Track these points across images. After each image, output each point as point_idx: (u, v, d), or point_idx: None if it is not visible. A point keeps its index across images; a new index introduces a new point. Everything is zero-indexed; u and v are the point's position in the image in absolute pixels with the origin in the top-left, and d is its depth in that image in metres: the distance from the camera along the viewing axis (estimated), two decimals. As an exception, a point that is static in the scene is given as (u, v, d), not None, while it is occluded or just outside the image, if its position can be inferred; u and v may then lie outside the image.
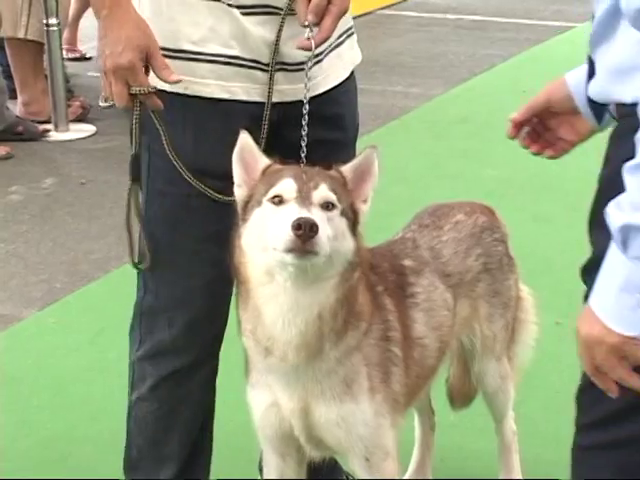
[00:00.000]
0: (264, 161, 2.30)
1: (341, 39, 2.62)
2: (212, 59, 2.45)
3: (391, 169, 5.82)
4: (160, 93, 2.40)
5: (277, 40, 2.46)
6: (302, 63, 2.46)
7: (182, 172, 2.46)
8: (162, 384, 2.69)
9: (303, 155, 2.41)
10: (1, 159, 6.14)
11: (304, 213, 2.14)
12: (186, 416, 2.74)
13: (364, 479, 2.52)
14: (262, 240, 2.21)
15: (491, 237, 2.85)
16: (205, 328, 2.66)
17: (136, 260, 2.56)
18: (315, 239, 2.11)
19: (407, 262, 2.66)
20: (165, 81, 2.39)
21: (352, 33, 2.67)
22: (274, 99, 2.49)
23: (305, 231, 2.10)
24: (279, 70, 2.48)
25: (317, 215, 2.15)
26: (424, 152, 6.03)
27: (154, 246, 2.55)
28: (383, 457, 2.47)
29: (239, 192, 2.31)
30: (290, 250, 2.12)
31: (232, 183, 2.39)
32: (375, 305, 2.43)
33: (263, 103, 2.48)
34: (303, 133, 2.41)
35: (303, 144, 2.41)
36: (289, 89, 2.50)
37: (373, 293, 2.43)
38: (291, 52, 2.47)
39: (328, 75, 2.58)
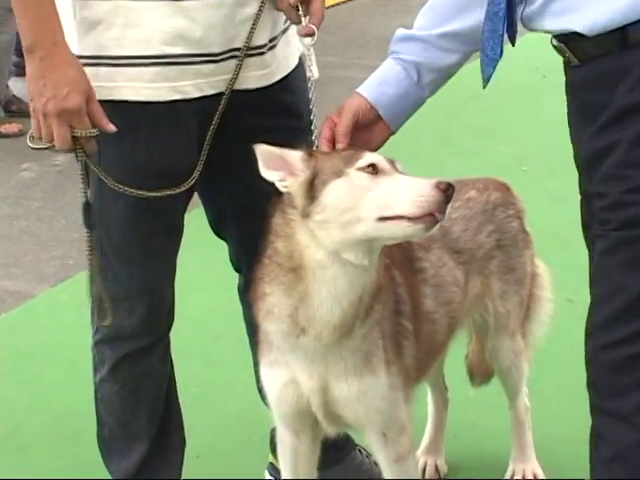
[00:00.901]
0: (293, 153, 2.23)
1: (287, 24, 2.58)
2: (157, 61, 2.40)
3: (403, 146, 5.79)
4: (107, 102, 2.37)
5: (256, 19, 2.43)
6: (252, 49, 2.45)
7: (118, 188, 2.42)
8: (121, 365, 2.69)
9: (315, 136, 2.40)
10: (13, 136, 6.15)
11: (425, 178, 2.10)
12: (149, 392, 2.75)
13: (380, 455, 2.53)
14: (348, 212, 2.13)
15: (505, 213, 2.83)
16: (163, 315, 2.69)
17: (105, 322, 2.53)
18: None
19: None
20: (103, 130, 2.33)
21: None
22: (222, 88, 2.46)
23: (450, 192, 2.07)
24: (230, 58, 2.45)
25: None
26: (437, 129, 6.00)
27: (109, 239, 2.55)
28: (399, 432, 2.47)
29: (289, 181, 2.21)
30: (428, 212, 2.07)
31: (186, 179, 2.44)
32: (386, 278, 2.42)
33: (214, 95, 2.46)
34: (313, 116, 2.40)
35: (314, 121, 2.40)
36: (240, 76, 2.47)
37: (384, 266, 2.42)
38: (241, 37, 2.44)
39: (280, 63, 2.57)
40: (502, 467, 3.13)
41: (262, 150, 2.22)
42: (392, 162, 2.20)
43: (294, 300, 2.25)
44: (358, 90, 2.38)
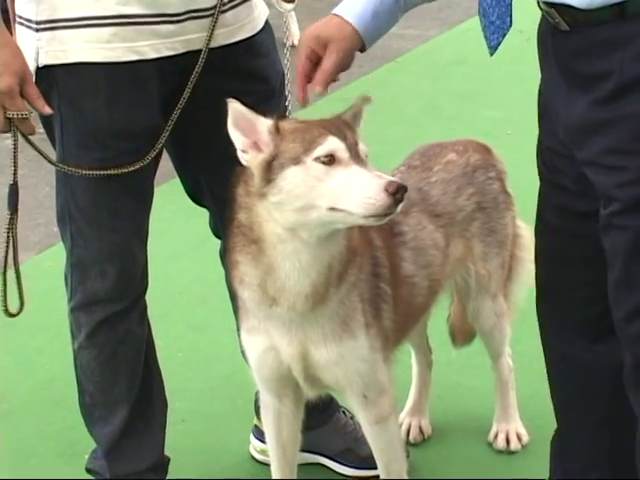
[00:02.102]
0: (264, 121, 2.23)
1: None
2: (113, 21, 2.39)
3: (388, 111, 5.78)
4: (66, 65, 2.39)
5: None
6: (212, 9, 2.44)
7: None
8: (98, 330, 2.69)
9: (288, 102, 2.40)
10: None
11: (379, 175, 2.12)
12: (128, 357, 2.75)
13: (361, 417, 2.55)
14: (302, 199, 2.15)
15: (485, 175, 2.83)
16: (137, 278, 2.69)
17: (7, 307, 2.56)
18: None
19: None
20: (40, 112, 2.38)
21: None
22: (180, 50, 2.45)
23: (402, 196, 2.09)
24: (188, 19, 2.45)
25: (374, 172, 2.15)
26: (421, 93, 5.99)
27: (76, 203, 2.56)
28: (379, 393, 2.49)
29: (250, 155, 2.22)
30: (375, 215, 2.10)
31: (147, 142, 2.45)
32: (364, 240, 2.43)
33: (173, 57, 2.45)
34: (288, 82, 2.40)
35: (289, 86, 2.39)
36: (199, 37, 2.46)
37: (361, 229, 2.43)
38: None
39: (244, 24, 2.56)
40: (486, 427, 3.15)
41: (234, 107, 2.21)
42: (354, 146, 2.18)
43: (261, 272, 2.27)
44: (345, 17, 2.21)
